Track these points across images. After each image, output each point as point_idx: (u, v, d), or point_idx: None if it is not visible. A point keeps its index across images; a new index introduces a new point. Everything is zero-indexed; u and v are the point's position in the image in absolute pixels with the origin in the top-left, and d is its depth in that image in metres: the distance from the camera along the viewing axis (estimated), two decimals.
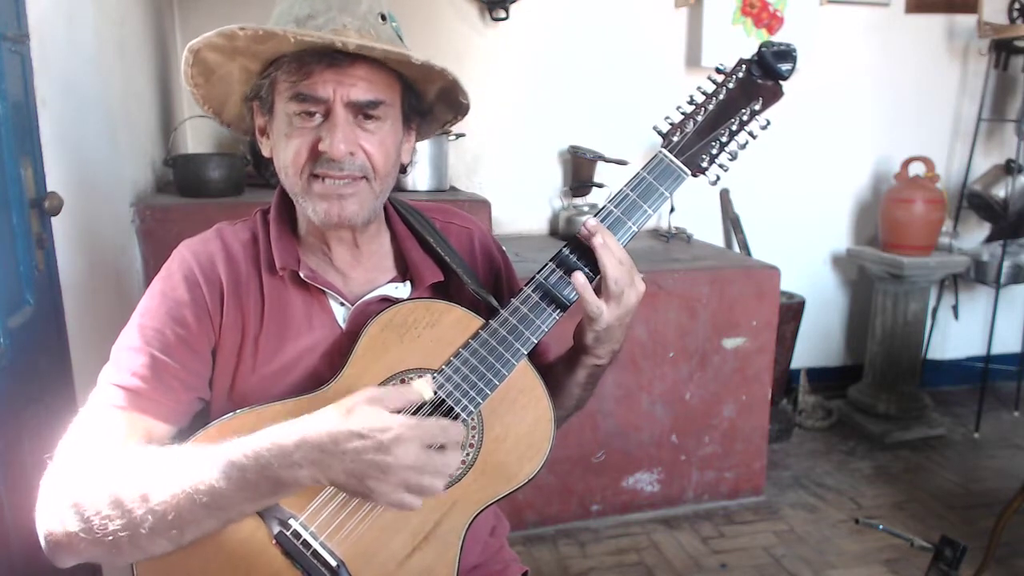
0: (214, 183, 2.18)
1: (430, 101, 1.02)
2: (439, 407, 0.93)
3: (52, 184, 1.43)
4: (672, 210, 3.01)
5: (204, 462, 0.80)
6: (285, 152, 0.92)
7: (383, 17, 0.93)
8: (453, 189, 2.73)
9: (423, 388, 0.86)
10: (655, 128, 0.98)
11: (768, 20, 3.05)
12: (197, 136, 2.70)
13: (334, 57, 0.87)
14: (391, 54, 0.87)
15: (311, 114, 0.90)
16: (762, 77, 0.96)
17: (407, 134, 1.00)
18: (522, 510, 2.39)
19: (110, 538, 0.79)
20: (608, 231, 0.92)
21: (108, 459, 0.85)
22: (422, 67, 0.90)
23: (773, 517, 2.54)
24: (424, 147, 2.45)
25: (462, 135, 2.82)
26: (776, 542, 2.40)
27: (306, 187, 0.92)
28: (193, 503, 0.79)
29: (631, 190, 0.95)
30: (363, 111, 0.90)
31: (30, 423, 1.31)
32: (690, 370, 2.47)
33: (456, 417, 0.92)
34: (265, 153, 0.98)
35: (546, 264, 0.94)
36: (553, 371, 1.06)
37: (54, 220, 1.43)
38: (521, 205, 3.09)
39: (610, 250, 0.90)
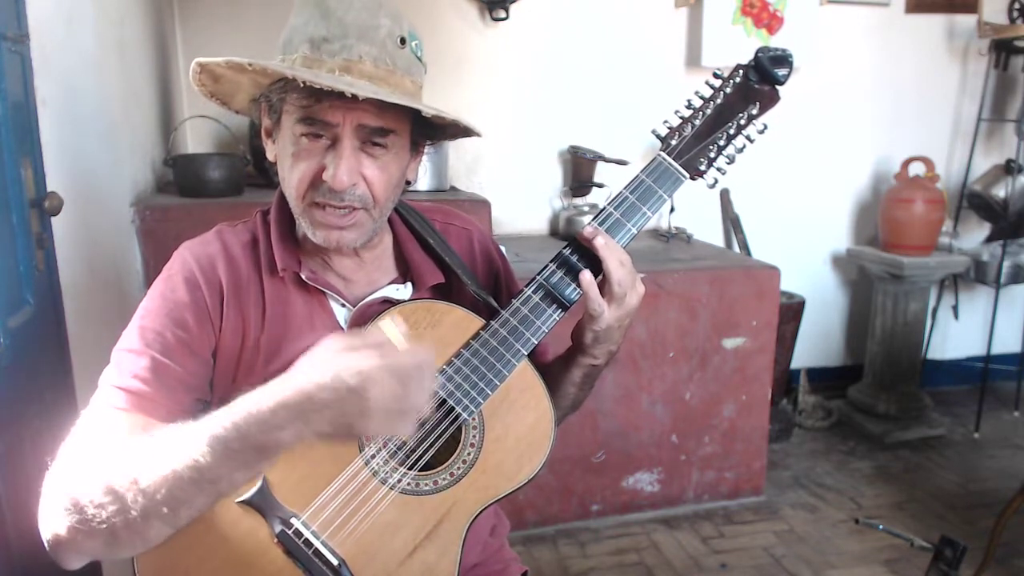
0: (214, 183, 2.18)
1: (441, 125, 1.00)
2: (440, 407, 0.93)
3: (52, 184, 1.43)
4: (672, 210, 3.01)
5: (187, 439, 0.79)
6: (289, 174, 0.91)
7: (402, 40, 0.90)
8: (453, 189, 2.74)
9: (387, 328, 0.82)
10: (654, 132, 0.99)
11: (768, 20, 3.05)
12: (197, 136, 2.70)
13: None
14: (402, 103, 0.86)
15: (318, 136, 0.89)
16: (759, 82, 0.97)
17: (415, 155, 0.99)
18: (522, 510, 2.39)
19: (105, 526, 0.79)
20: (607, 234, 0.92)
21: (102, 454, 0.85)
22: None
23: (773, 517, 2.55)
24: None
25: None
26: (776, 542, 2.40)
27: (306, 211, 0.93)
28: (181, 480, 0.78)
29: (630, 193, 0.96)
30: (371, 137, 0.89)
31: (31, 423, 1.31)
32: (690, 370, 2.47)
33: (457, 417, 0.93)
34: (269, 157, 0.98)
35: (547, 265, 0.95)
36: (550, 371, 1.06)
37: (54, 220, 1.43)
38: (521, 205, 3.09)
39: (613, 251, 0.91)
